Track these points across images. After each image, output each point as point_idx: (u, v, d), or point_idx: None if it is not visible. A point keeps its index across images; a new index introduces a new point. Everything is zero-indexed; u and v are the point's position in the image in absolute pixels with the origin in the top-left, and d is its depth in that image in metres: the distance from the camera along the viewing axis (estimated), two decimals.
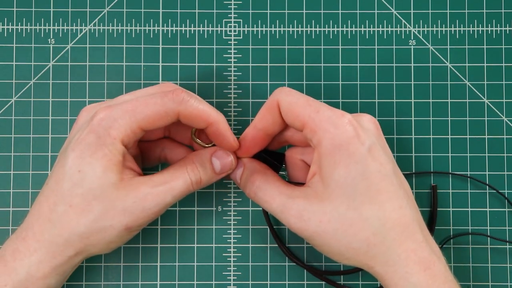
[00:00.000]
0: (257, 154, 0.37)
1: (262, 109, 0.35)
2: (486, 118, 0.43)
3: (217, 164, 0.36)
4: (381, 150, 0.33)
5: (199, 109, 0.34)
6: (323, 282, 0.42)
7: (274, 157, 0.38)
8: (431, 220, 0.42)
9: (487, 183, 0.43)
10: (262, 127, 0.36)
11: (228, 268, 0.42)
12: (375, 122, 0.34)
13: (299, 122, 0.33)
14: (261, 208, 0.42)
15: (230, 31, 0.44)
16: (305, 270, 0.42)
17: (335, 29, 0.44)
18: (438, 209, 0.43)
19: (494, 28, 0.44)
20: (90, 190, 0.33)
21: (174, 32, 0.44)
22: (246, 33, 0.44)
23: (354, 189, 0.32)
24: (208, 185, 0.37)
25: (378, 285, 0.42)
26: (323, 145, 0.32)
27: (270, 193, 0.35)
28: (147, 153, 0.39)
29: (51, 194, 0.34)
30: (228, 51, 0.44)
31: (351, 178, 0.32)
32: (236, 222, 0.43)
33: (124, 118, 0.33)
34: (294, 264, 0.42)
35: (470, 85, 0.44)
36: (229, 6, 0.44)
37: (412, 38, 0.44)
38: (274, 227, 0.42)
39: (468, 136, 0.43)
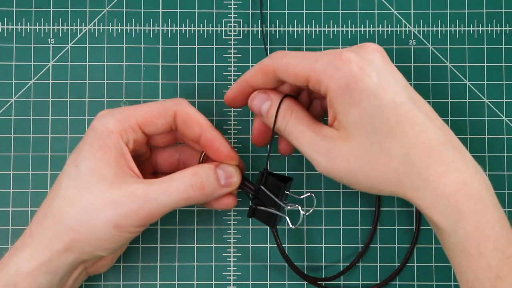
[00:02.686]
0: (263, 176, 0.36)
1: (255, 69, 0.35)
2: (486, 118, 0.43)
3: (221, 174, 0.35)
4: (391, 79, 0.32)
5: (195, 112, 0.36)
6: (323, 282, 0.42)
7: (281, 179, 0.37)
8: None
9: None
10: (252, 84, 0.35)
11: (228, 268, 0.42)
12: (380, 50, 0.33)
13: (302, 79, 0.33)
14: None
15: (230, 31, 0.44)
16: (304, 269, 0.42)
17: (335, 29, 0.44)
18: None
19: (494, 28, 0.44)
20: (84, 182, 0.33)
21: (174, 32, 0.44)
22: (246, 33, 0.44)
23: (373, 124, 0.31)
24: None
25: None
26: (331, 91, 0.32)
27: (300, 128, 0.34)
28: (162, 159, 0.39)
29: (50, 193, 0.34)
30: (228, 51, 0.44)
31: (367, 115, 0.31)
32: (236, 222, 0.43)
33: (122, 114, 0.35)
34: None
35: (470, 85, 0.44)
36: (229, 6, 0.44)
37: (412, 38, 0.44)
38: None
39: (468, 136, 0.43)
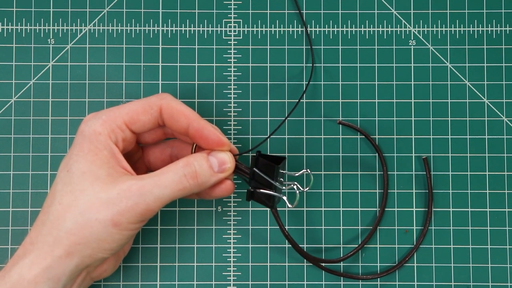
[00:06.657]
0: (257, 159, 0.36)
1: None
2: (486, 118, 0.43)
3: (214, 160, 0.35)
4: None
5: (180, 104, 0.36)
6: (323, 283, 0.42)
7: (274, 159, 0.37)
8: (429, 193, 0.42)
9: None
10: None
11: (228, 268, 0.42)
12: None
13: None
14: (261, 209, 0.42)
15: (230, 31, 0.44)
16: (304, 269, 0.42)
17: (335, 29, 0.44)
18: (438, 209, 0.43)
19: (494, 28, 0.44)
20: (77, 186, 0.33)
21: (174, 32, 0.44)
22: (246, 33, 0.44)
23: None
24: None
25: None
26: None
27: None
28: (155, 156, 0.39)
29: (46, 200, 0.34)
30: (228, 51, 0.44)
31: None
32: (236, 222, 0.43)
33: (108, 115, 0.35)
34: (294, 264, 0.42)
35: (470, 85, 0.44)
36: (229, 6, 0.44)
37: (412, 38, 0.44)
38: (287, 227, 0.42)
39: (468, 136, 0.43)
